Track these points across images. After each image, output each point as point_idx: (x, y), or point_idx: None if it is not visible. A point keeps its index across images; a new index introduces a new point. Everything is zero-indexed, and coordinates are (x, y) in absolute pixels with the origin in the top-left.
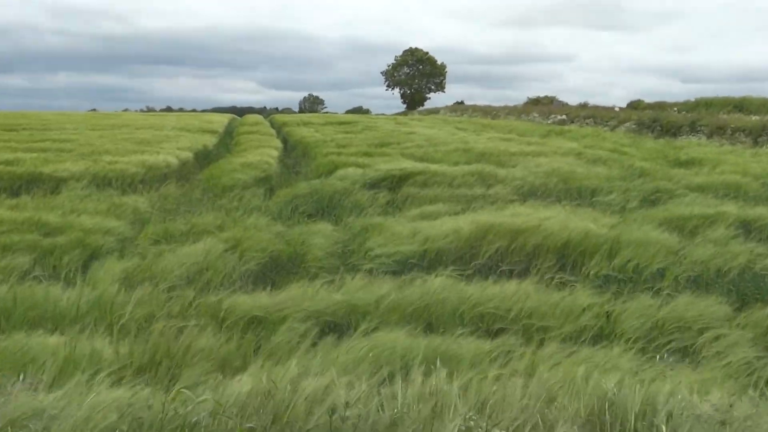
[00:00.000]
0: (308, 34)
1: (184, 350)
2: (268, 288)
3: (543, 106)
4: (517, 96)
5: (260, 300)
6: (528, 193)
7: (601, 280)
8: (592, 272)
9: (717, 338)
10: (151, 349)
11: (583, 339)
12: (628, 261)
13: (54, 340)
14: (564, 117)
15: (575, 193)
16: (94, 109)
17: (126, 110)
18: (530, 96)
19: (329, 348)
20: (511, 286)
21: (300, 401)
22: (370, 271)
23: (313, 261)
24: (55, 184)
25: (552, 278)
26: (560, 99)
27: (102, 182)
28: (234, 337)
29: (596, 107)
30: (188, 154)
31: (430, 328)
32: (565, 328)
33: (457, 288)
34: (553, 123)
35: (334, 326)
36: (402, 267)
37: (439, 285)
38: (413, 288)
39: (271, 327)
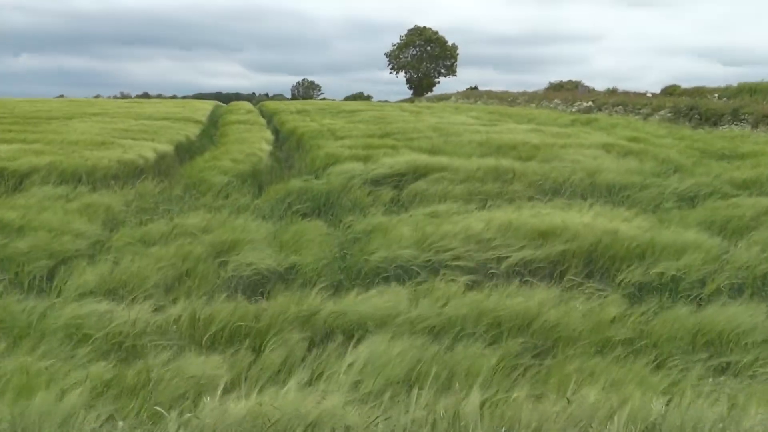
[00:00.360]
0: (302, 11)
1: (165, 369)
2: (258, 297)
3: (566, 92)
4: (538, 81)
5: (248, 310)
6: (550, 190)
7: (634, 288)
8: (623, 279)
9: (765, 353)
10: (127, 369)
11: (614, 354)
12: (664, 267)
13: (13, 358)
14: (590, 104)
15: (604, 191)
16: (62, 96)
17: (98, 96)
18: (552, 81)
19: (327, 364)
20: (532, 295)
21: (299, 428)
22: (371, 278)
23: (308, 267)
24: (18, 180)
25: (579, 286)
26: (586, 84)
27: (71, 178)
28: (220, 352)
29: (627, 93)
30: (167, 147)
31: (440, 341)
32: (595, 342)
33: (470, 296)
34: (578, 111)
35: (332, 340)
36: (407, 273)
37: (451, 293)
38: (420, 296)
39: (260, 341)
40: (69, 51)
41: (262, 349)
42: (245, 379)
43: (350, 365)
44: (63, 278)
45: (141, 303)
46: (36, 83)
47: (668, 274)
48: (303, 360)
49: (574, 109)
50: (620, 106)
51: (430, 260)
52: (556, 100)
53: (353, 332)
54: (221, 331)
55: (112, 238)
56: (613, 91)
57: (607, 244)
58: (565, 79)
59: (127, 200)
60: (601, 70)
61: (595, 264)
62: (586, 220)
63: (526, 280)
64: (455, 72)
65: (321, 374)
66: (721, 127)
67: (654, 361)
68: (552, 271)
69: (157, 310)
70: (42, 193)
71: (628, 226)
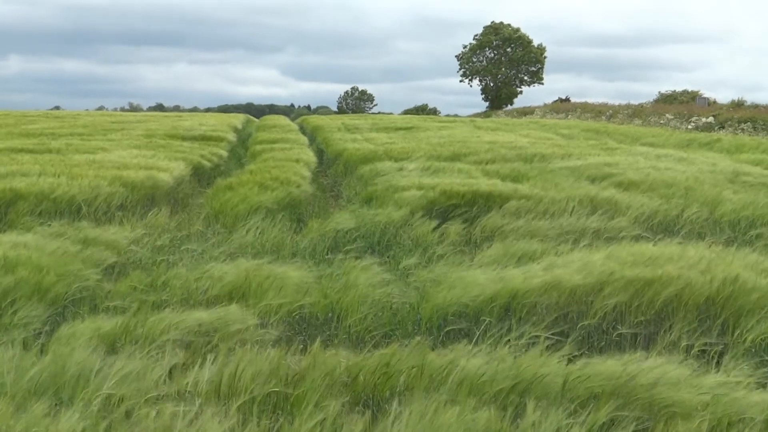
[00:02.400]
0: (355, 4)
1: None
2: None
3: (680, 105)
4: (647, 90)
5: (281, 370)
6: (659, 227)
7: (764, 351)
8: (748, 338)
9: None
10: None
11: None
12: None
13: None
14: (710, 120)
15: (726, 227)
16: (58, 107)
17: (102, 108)
18: (662, 91)
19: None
20: (634, 361)
21: None
22: (434, 332)
23: (356, 319)
24: (3, 210)
25: (691, 346)
26: (704, 95)
27: (67, 208)
28: (249, 421)
29: (756, 107)
30: (185, 170)
31: (517, 414)
32: (713, 418)
33: (555, 359)
34: (695, 128)
35: (381, 406)
36: (475, 326)
37: (530, 354)
38: (491, 358)
39: (296, 407)
40: (67, 52)
41: (299, 417)
42: None
43: None
44: (61, 330)
45: (156, 361)
46: (27, 91)
47: None
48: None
49: (690, 126)
50: (748, 123)
51: (504, 309)
52: (667, 115)
53: (406, 393)
54: (255, 397)
55: (118, 282)
56: (739, 104)
57: (729, 295)
58: (679, 89)
59: (135, 235)
60: (726, 78)
61: (713, 319)
62: (703, 264)
63: (625, 336)
64: (542, 80)
65: None
66: None
67: None
68: (658, 327)
69: (177, 368)
70: (32, 226)
71: (756, 271)
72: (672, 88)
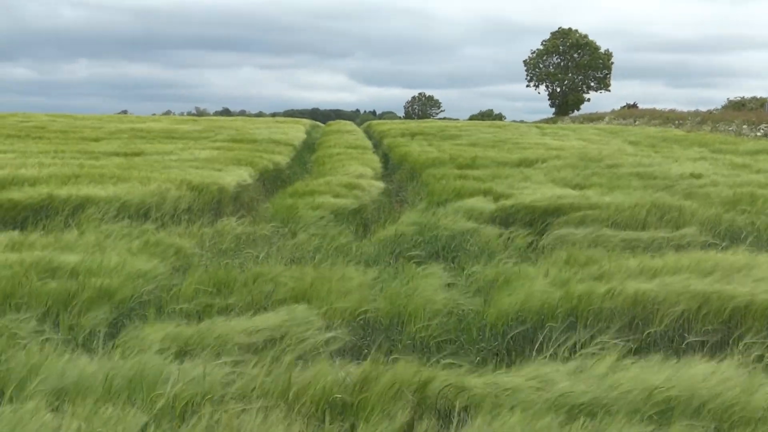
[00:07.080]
0: (425, 10)
1: None
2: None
3: (749, 111)
4: (718, 97)
5: (347, 378)
6: (727, 236)
7: None
8: None
9: None
10: None
11: None
12: None
13: (68, 422)
14: None
15: None
16: (125, 111)
17: (168, 113)
18: (731, 98)
19: None
20: (700, 367)
21: None
22: (499, 340)
23: (420, 325)
24: (71, 213)
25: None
26: None
27: (135, 212)
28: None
29: None
30: (251, 174)
31: (578, 419)
32: None
33: (621, 366)
34: (764, 135)
35: (447, 415)
36: (538, 331)
37: (596, 362)
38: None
39: (360, 415)
40: (135, 56)
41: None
42: None
43: None
44: (127, 333)
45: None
46: (94, 95)
47: None
48: None
49: (759, 134)
50: None
51: (568, 316)
52: (736, 122)
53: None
54: (319, 403)
55: (183, 285)
56: None
57: None
58: (748, 96)
59: (202, 240)
60: None
61: None
62: None
63: (692, 344)
64: (608, 86)
65: None
66: None
67: None
68: (726, 335)
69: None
70: (100, 229)
71: None
72: (742, 95)
